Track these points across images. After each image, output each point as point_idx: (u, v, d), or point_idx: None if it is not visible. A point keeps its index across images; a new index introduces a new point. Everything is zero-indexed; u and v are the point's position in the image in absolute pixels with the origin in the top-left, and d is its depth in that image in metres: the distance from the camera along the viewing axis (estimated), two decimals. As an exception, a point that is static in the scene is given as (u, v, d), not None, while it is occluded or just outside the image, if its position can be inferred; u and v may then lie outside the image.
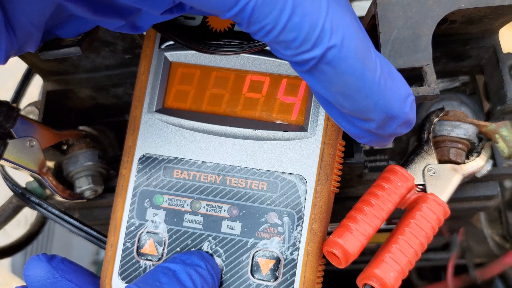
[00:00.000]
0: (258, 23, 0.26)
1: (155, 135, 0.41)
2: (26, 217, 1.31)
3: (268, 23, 0.26)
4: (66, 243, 1.14)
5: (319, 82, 0.29)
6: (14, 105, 0.43)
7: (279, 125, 0.39)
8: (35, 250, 1.12)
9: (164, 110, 0.41)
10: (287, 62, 0.39)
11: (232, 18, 0.26)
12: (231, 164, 0.39)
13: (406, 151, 0.49)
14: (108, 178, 0.49)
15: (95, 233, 0.44)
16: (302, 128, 0.39)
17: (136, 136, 0.41)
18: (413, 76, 0.39)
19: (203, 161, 0.40)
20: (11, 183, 0.46)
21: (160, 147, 0.41)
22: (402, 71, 0.37)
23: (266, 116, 0.40)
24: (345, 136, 0.41)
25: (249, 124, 0.39)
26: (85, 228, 0.45)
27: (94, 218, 0.51)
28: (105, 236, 0.44)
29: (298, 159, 0.38)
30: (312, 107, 0.39)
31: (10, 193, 0.50)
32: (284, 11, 0.26)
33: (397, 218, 0.46)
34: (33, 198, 0.46)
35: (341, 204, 0.48)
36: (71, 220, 0.45)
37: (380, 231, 0.56)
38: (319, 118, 0.39)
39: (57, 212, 0.45)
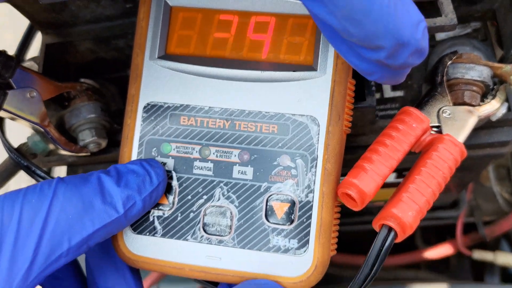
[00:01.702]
0: None
1: (158, 82, 0.39)
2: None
3: None
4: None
5: (324, 7, 0.28)
6: (13, 55, 0.42)
7: (287, 66, 0.38)
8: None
9: (166, 56, 0.40)
10: (292, 0, 0.38)
11: None
12: (239, 108, 0.38)
13: (417, 100, 0.48)
14: (112, 132, 0.47)
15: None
16: (311, 67, 0.37)
17: (139, 85, 0.40)
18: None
19: (210, 107, 0.39)
20: (6, 144, 0.45)
21: (164, 95, 0.39)
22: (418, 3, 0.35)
23: (273, 58, 0.38)
24: (357, 79, 0.39)
25: (256, 66, 0.38)
26: None
27: (99, 175, 0.50)
28: None
29: (308, 100, 0.37)
30: (321, 45, 0.37)
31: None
32: None
33: (408, 170, 0.45)
34: (22, 161, 0.44)
35: (352, 153, 0.46)
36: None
37: (390, 185, 0.55)
38: (328, 56, 0.37)
39: (43, 174, 0.43)
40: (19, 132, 0.52)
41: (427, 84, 0.45)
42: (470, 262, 0.95)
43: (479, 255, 0.76)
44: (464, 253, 0.78)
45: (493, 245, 0.88)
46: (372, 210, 0.76)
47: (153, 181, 0.36)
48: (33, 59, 0.50)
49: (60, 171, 0.82)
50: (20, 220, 0.32)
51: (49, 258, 0.32)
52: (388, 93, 0.47)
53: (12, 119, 0.42)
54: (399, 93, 0.47)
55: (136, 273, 0.41)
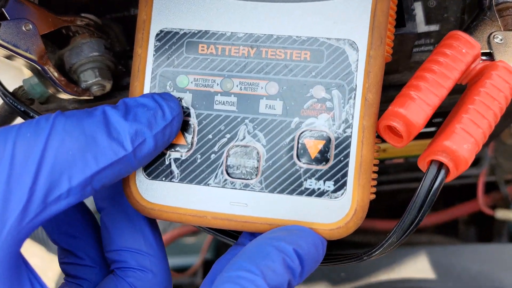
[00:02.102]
0: None
1: (173, 5, 0.35)
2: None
3: None
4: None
5: None
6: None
7: None
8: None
9: None
10: None
11: None
12: (266, 33, 0.34)
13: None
14: (117, 75, 0.43)
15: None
16: None
17: (150, 8, 0.35)
18: None
19: (232, 32, 0.34)
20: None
21: (180, 20, 0.35)
22: None
23: None
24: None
25: None
26: None
27: (103, 124, 0.45)
28: None
29: (346, 21, 0.33)
30: None
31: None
32: None
33: (441, 115, 0.41)
34: (19, 106, 0.39)
35: (383, 93, 0.42)
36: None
37: (420, 136, 0.51)
38: None
39: None
40: (12, 81, 0.47)
41: (469, 13, 0.41)
42: (476, 227, 0.93)
43: (502, 214, 0.73)
44: (486, 212, 0.74)
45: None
46: (388, 169, 0.72)
47: (166, 116, 0.32)
48: (26, -4, 0.45)
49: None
50: (14, 155, 0.27)
51: (47, 198, 0.28)
52: (422, 27, 0.43)
53: (6, 57, 0.37)
54: (434, 27, 0.43)
55: (155, 229, 0.37)
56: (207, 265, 0.95)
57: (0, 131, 0.28)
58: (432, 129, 0.52)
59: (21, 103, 0.39)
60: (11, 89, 0.42)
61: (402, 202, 0.83)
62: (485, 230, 0.91)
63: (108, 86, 0.41)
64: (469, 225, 0.94)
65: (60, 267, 0.37)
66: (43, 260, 0.93)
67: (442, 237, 0.86)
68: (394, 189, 0.75)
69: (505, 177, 0.73)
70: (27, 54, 0.37)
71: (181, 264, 0.98)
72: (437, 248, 0.69)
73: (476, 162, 0.72)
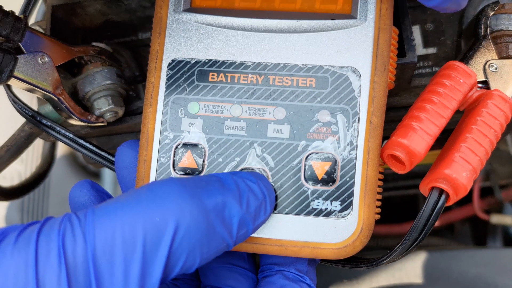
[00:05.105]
0: None
1: (184, 36, 0.36)
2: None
3: None
4: (63, 198, 1.10)
5: None
6: (21, 16, 0.38)
7: (324, 15, 0.35)
8: (30, 204, 1.07)
9: (192, 9, 0.37)
10: None
11: None
12: (273, 62, 0.35)
13: (451, 57, 0.45)
14: (128, 100, 0.44)
15: (112, 158, 0.41)
16: (350, 16, 0.35)
17: (163, 40, 0.37)
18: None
19: (241, 61, 0.36)
20: (21, 106, 0.42)
21: (191, 50, 0.36)
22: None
23: (308, 8, 0.36)
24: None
25: (290, 15, 0.35)
26: (102, 153, 0.41)
27: (114, 146, 0.47)
28: None
29: (349, 50, 0.35)
30: None
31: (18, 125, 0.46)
32: None
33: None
34: (45, 121, 0.41)
35: (384, 115, 0.44)
36: (87, 144, 0.41)
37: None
38: (368, 3, 0.35)
39: (71, 135, 0.41)
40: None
41: (465, 39, 0.43)
42: (471, 227, 0.95)
43: (497, 219, 0.75)
44: (481, 217, 0.77)
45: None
46: (387, 177, 0.74)
47: (267, 210, 0.33)
48: (37, 23, 0.46)
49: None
50: (145, 241, 0.27)
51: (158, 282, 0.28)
52: (420, 50, 0.45)
53: (22, 88, 0.39)
54: (431, 50, 0.45)
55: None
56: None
57: (128, 212, 0.28)
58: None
59: (46, 118, 0.41)
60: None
61: (399, 208, 0.85)
62: (480, 233, 0.92)
63: (121, 112, 0.43)
64: (465, 228, 0.96)
65: None
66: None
67: (439, 239, 0.88)
68: (392, 196, 0.77)
69: (500, 182, 0.75)
70: (44, 86, 0.39)
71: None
72: (435, 253, 0.71)
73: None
